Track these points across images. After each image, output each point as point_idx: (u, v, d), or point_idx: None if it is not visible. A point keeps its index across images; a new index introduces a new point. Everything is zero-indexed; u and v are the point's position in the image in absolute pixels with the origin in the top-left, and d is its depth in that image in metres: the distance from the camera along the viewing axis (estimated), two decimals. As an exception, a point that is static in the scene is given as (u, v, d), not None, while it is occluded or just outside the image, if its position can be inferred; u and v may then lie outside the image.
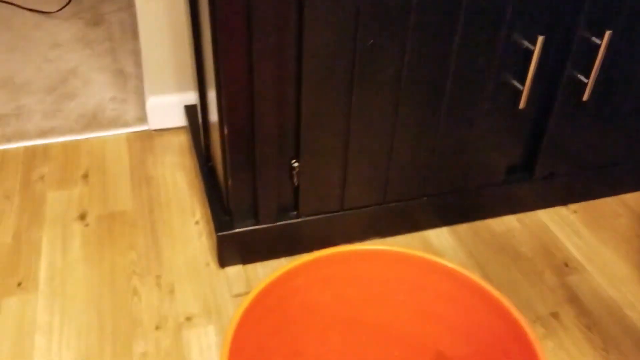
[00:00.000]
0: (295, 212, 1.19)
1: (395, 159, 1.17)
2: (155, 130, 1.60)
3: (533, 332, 0.59)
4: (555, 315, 1.13)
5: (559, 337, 1.09)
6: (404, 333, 0.76)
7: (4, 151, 1.49)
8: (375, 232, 1.28)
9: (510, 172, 1.31)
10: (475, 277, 0.66)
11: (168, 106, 1.57)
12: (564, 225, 1.34)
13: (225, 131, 1.05)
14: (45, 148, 1.51)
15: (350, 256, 0.71)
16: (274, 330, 0.70)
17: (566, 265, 1.24)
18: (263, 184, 1.11)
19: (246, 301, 0.62)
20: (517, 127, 1.23)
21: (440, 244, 1.29)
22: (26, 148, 1.51)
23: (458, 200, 1.30)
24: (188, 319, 1.08)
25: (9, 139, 1.53)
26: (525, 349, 0.59)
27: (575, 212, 1.39)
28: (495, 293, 0.63)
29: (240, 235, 1.16)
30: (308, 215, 1.19)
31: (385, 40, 1.02)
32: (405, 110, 1.11)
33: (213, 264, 1.19)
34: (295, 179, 1.13)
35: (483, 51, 1.09)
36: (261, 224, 1.16)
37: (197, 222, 1.30)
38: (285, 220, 1.18)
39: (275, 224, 1.17)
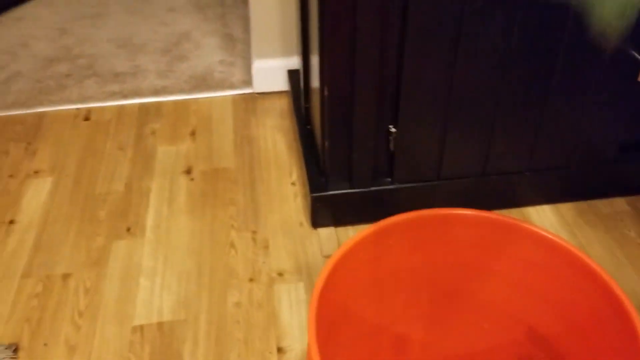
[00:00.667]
0: (389, 179, 1.18)
1: (498, 130, 1.13)
2: (259, 93, 1.64)
3: (635, 311, 0.56)
4: (662, 304, 1.06)
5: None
6: (494, 304, 0.75)
7: (121, 107, 1.60)
8: (471, 204, 1.24)
9: (623, 150, 1.23)
10: (574, 247, 0.63)
11: (272, 70, 1.61)
12: (682, 211, 1.24)
13: (326, 93, 1.06)
14: (158, 106, 1.60)
15: (444, 219, 0.70)
16: (362, 288, 0.71)
17: (680, 253, 1.15)
18: (359, 148, 1.12)
19: (336, 255, 0.64)
20: (635, 101, 1.14)
21: (541, 222, 1.24)
22: (141, 105, 1.60)
23: (564, 177, 1.24)
24: (280, 274, 1.12)
25: (125, 96, 1.63)
26: (627, 327, 0.55)
27: (696, 198, 1.28)
28: (596, 266, 0.60)
29: (334, 197, 1.18)
30: (402, 183, 1.18)
31: (495, 4, 0.98)
32: (511, 79, 1.07)
33: (306, 224, 1.22)
34: (391, 145, 1.13)
35: (602, 18, 1.02)
36: (355, 188, 1.17)
37: (293, 183, 1.33)
38: (379, 186, 1.18)
39: (368, 189, 1.18)
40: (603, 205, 1.27)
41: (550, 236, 0.64)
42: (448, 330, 0.77)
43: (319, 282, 0.61)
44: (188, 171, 1.37)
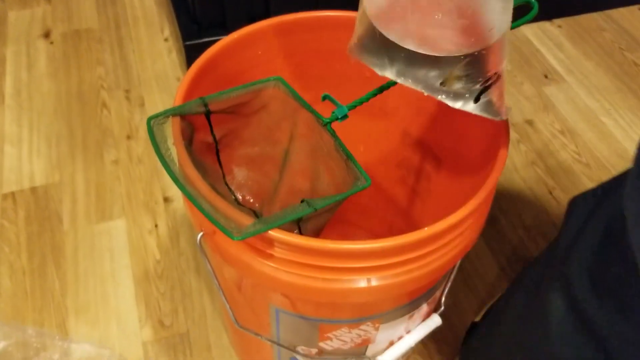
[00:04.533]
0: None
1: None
2: (119, -51, 1.49)
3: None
4: (530, 122, 1.13)
5: (531, 141, 1.09)
6: (371, 111, 0.75)
7: (-43, -29, 1.39)
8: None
9: (494, -18, 1.24)
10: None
11: None
12: (546, 40, 1.30)
13: None
14: (2, -32, 1.41)
15: (319, 23, 0.67)
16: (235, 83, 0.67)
17: (545, 76, 1.22)
18: (230, -12, 1.05)
19: (192, 70, 0.59)
20: None
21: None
22: (-19, -33, 1.41)
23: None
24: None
25: (-39, -42, 1.42)
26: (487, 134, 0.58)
27: (559, 27, 1.34)
28: None
29: (209, 44, 1.11)
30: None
31: None
32: None
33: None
34: (264, -17, 1.06)
35: None
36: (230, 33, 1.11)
37: (166, 39, 1.25)
38: (256, 31, 1.13)
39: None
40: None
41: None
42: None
43: (178, 97, 0.57)
44: (46, 35, 1.24)
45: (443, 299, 0.68)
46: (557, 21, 1.35)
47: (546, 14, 1.35)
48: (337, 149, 0.53)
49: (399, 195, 0.82)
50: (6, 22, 1.27)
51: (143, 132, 1.06)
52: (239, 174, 0.61)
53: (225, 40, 0.63)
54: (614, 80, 1.22)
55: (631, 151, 1.08)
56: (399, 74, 0.47)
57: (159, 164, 1.00)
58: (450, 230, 0.49)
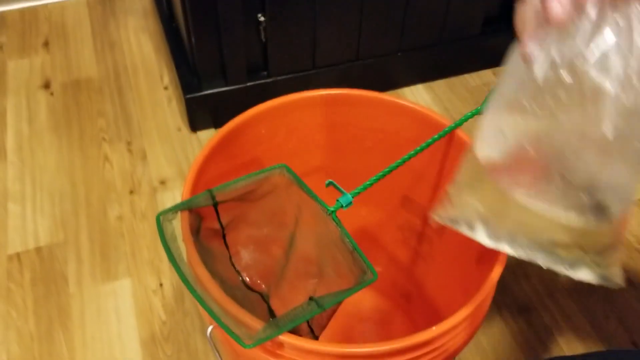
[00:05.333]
0: (265, 72, 1.15)
1: (366, 13, 1.12)
2: (116, -8, 1.50)
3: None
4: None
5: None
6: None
7: (-44, 20, 1.41)
8: (349, 87, 1.25)
9: (487, 24, 1.26)
10: (443, 118, 0.65)
11: (127, -35, 1.47)
12: (541, 78, 1.32)
13: (184, -16, 0.98)
14: (2, 16, 1.43)
15: (316, 101, 0.68)
16: (241, 166, 0.69)
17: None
18: (229, 42, 1.06)
19: (205, 149, 0.61)
20: (496, -28, 1.16)
21: (416, 100, 1.27)
22: (-21, 16, 1.42)
23: (434, 55, 1.26)
24: (162, 182, 1.08)
25: (-41, 7, 1.43)
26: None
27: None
28: (463, 134, 0.62)
29: (210, 97, 1.13)
30: (279, 75, 1.15)
31: None
32: (376, -45, 1.04)
33: (185, 129, 1.17)
34: (262, 35, 1.08)
35: None
36: (230, 85, 1.13)
37: (166, 87, 1.26)
38: (255, 81, 1.14)
39: (245, 85, 1.14)
40: (472, 78, 1.32)
41: (423, 110, 0.65)
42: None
43: (190, 175, 0.58)
44: (46, 85, 1.25)
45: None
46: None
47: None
48: (342, 239, 0.54)
49: (402, 255, 0.83)
50: (5, 72, 1.28)
51: (146, 186, 1.07)
52: (245, 255, 0.62)
53: (229, 126, 0.64)
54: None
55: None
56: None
57: (163, 220, 1.01)
58: (448, 332, 0.50)
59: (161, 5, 1.33)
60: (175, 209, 0.53)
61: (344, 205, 0.56)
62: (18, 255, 0.96)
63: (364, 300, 0.91)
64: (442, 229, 0.74)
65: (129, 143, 1.14)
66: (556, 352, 0.88)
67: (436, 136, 0.62)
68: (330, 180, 0.58)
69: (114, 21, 1.42)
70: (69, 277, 0.93)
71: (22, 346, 0.85)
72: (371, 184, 0.58)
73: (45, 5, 1.46)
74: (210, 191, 0.55)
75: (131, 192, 1.06)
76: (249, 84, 1.14)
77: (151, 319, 0.89)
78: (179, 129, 1.17)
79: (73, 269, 0.94)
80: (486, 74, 1.33)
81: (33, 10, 1.45)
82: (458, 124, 0.64)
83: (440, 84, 1.30)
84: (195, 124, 1.16)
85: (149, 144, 1.14)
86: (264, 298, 0.62)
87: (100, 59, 1.32)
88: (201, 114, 1.15)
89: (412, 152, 0.61)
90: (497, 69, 1.33)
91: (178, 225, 0.54)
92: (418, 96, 1.28)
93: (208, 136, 1.16)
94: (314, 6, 1.06)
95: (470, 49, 1.28)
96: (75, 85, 1.25)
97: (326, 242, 0.57)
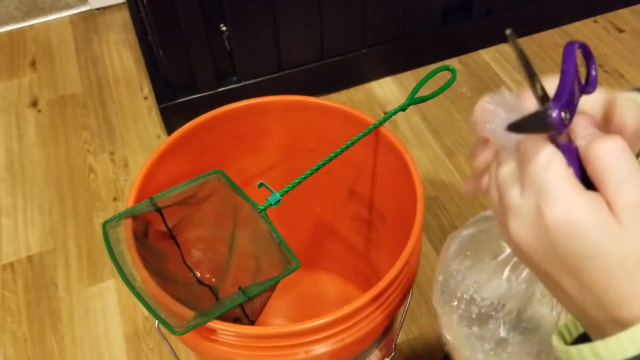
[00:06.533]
0: (234, 77, 1.21)
1: (326, 13, 1.17)
2: (97, 9, 1.57)
3: (415, 169, 0.65)
4: (489, 149, 1.19)
5: (491, 169, 1.15)
6: (319, 177, 0.82)
7: (-51, 47, 1.49)
8: (318, 88, 1.31)
9: (448, 14, 1.31)
10: (370, 117, 0.71)
11: (106, -18, 1.54)
12: (504, 63, 1.36)
13: (147, 3, 1.05)
14: (-10, 39, 1.51)
15: (258, 108, 0.74)
16: (188, 172, 0.75)
17: (503, 101, 1.28)
18: (195, 53, 1.13)
19: (150, 160, 0.67)
20: (448, -34, 1.20)
21: (384, 94, 1.32)
22: (-30, 41, 1.50)
23: (398, 49, 1.31)
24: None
25: (-49, 34, 1.52)
26: (409, 180, 0.65)
27: (517, 48, 1.40)
28: (393, 138, 0.68)
29: (184, 104, 1.20)
30: (247, 79, 1.21)
31: None
32: (327, -40, 1.09)
33: (164, 136, 1.24)
34: (226, 44, 1.14)
35: None
36: (202, 92, 1.19)
37: (145, 98, 1.33)
38: (225, 86, 1.21)
39: (215, 91, 1.20)
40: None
41: (362, 115, 0.71)
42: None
43: (136, 183, 0.65)
44: (34, 103, 1.33)
45: (394, 345, 0.76)
46: (515, 42, 1.41)
47: (503, 34, 1.40)
48: (271, 234, 0.60)
49: (357, 242, 0.89)
50: (-3, 94, 1.36)
51: (128, 192, 1.14)
52: (196, 253, 0.69)
53: (174, 136, 0.70)
54: (570, 98, 1.28)
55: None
56: None
57: (143, 224, 1.08)
58: (371, 303, 0.56)
59: (138, 19, 1.40)
60: (119, 216, 0.60)
61: (272, 203, 0.62)
62: (11, 264, 1.04)
63: (331, 286, 0.98)
64: (384, 219, 0.80)
65: (111, 153, 1.21)
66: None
67: (360, 134, 0.68)
68: (261, 181, 0.64)
69: (97, 37, 1.50)
70: (59, 282, 1.01)
71: (16, 348, 0.93)
72: (299, 182, 0.65)
73: (32, 26, 1.54)
74: (151, 199, 0.62)
75: (115, 199, 1.13)
76: (219, 89, 1.20)
77: (134, 316, 0.96)
78: (159, 137, 1.24)
79: (62, 275, 1.02)
80: (452, 62, 1.37)
81: (20, 32, 1.53)
82: (382, 122, 0.70)
83: (407, 76, 1.35)
84: (172, 131, 1.22)
85: (131, 153, 1.21)
86: (213, 291, 0.68)
87: (84, 75, 1.39)
88: (177, 120, 1.22)
89: (338, 150, 0.67)
90: (461, 57, 1.38)
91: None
92: (386, 89, 1.33)
93: (185, 142, 1.23)
94: (273, 11, 1.12)
95: (433, 40, 1.33)
96: (61, 101, 1.33)
97: (259, 238, 0.63)
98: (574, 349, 0.30)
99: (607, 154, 0.28)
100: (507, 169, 0.33)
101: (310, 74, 1.26)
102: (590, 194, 0.29)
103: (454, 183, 1.13)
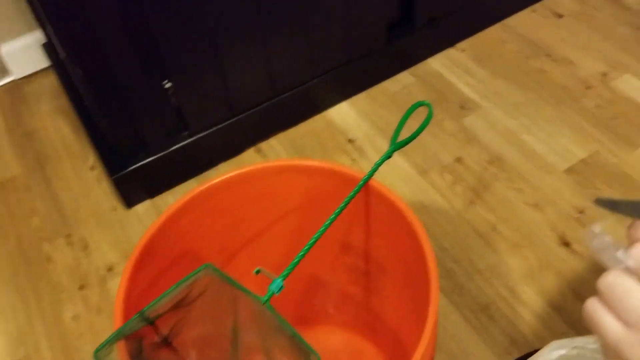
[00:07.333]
0: (186, 133, 1.14)
1: (272, 50, 1.12)
2: (22, 78, 1.47)
3: (413, 216, 0.61)
4: (459, 159, 1.17)
5: (465, 180, 1.13)
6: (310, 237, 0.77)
7: None
8: (275, 127, 1.25)
9: (392, 29, 1.28)
10: (356, 172, 0.66)
11: (26, 49, 1.43)
12: (455, 68, 1.35)
13: (80, 73, 0.97)
14: None
15: (234, 181, 0.69)
16: (170, 265, 0.69)
17: (462, 107, 1.26)
18: (141, 115, 1.05)
19: (132, 257, 0.61)
20: (385, -18, 1.18)
21: (343, 120, 1.28)
22: None
23: (348, 72, 1.27)
24: (110, 269, 1.07)
25: None
26: (410, 234, 0.61)
27: (463, 50, 1.39)
28: (384, 190, 0.64)
29: (137, 171, 1.12)
30: (200, 132, 1.15)
31: None
32: (266, 4, 1.04)
33: (120, 207, 1.16)
34: (173, 100, 1.07)
35: None
36: (154, 155, 1.12)
37: (92, 168, 1.24)
38: (178, 143, 1.14)
39: (169, 150, 1.13)
40: (391, 84, 1.34)
41: (347, 171, 0.67)
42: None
43: (119, 297, 0.58)
44: (-29, 195, 1.22)
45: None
46: (460, 45, 1.40)
47: (448, 40, 1.39)
48: (280, 327, 0.55)
49: (355, 292, 0.84)
50: None
51: (94, 277, 1.06)
52: (197, 355, 0.63)
53: (151, 229, 0.63)
54: (526, 93, 1.28)
55: (556, 165, 1.13)
56: None
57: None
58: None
59: (69, 84, 1.31)
60: (110, 341, 0.53)
61: (275, 291, 0.56)
62: (-19, 384, 0.94)
63: (332, 337, 0.93)
64: (383, 268, 0.76)
65: (67, 236, 1.12)
66: (522, 343, 0.91)
67: (352, 193, 0.64)
68: (258, 268, 0.58)
69: (27, 109, 1.39)
70: (38, 393, 0.92)
71: None
72: (299, 260, 0.59)
73: (-48, 109, 1.42)
74: (141, 313, 0.55)
75: (81, 287, 1.04)
76: (172, 148, 1.13)
77: (130, 415, 0.88)
78: (115, 209, 1.16)
79: (40, 384, 0.93)
80: (404, 77, 1.34)
81: (-60, 117, 1.41)
82: (370, 174, 0.66)
83: (362, 97, 1.32)
84: (129, 200, 1.15)
85: (88, 232, 1.13)
86: (223, 395, 0.62)
87: (20, 154, 1.29)
88: (132, 189, 1.14)
89: (332, 216, 0.62)
90: (412, 69, 1.35)
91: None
92: (344, 115, 1.29)
93: (146, 209, 1.15)
94: (217, 58, 1.06)
95: (381, 57, 1.30)
96: (0, 189, 1.22)
97: (267, 330, 0.58)
98: None
99: None
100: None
101: (264, 114, 1.20)
102: None
103: (433, 202, 1.10)
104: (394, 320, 0.81)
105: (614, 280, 0.32)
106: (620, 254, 0.33)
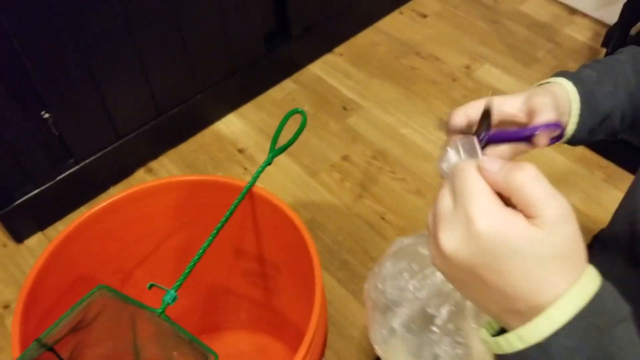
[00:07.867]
0: (71, 160, 1.13)
1: (150, 70, 1.13)
2: None
3: (294, 215, 0.66)
4: (345, 157, 1.24)
5: (353, 176, 1.20)
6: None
7: None
8: (164, 145, 1.26)
9: (270, 39, 1.33)
10: (240, 181, 0.70)
11: None
12: (334, 72, 1.42)
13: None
14: None
15: (118, 203, 0.70)
16: (65, 292, 0.69)
17: (344, 108, 1.34)
18: (21, 147, 1.03)
19: (23, 291, 0.61)
20: (257, -4, 1.22)
21: (231, 131, 1.31)
22: None
23: (232, 84, 1.31)
24: (6, 307, 1.04)
25: None
26: (294, 232, 0.66)
27: (341, 54, 1.46)
28: (267, 195, 0.68)
29: (24, 205, 1.09)
30: (86, 158, 1.14)
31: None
32: (138, 25, 1.05)
33: (10, 243, 1.13)
34: (54, 129, 1.06)
35: None
36: (41, 186, 1.10)
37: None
38: (64, 172, 1.12)
39: (55, 180, 1.11)
40: (275, 92, 1.39)
41: (223, 180, 0.70)
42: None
43: (14, 327, 0.59)
44: None
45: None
46: (338, 49, 1.47)
47: (325, 46, 1.46)
48: (178, 334, 0.58)
49: (258, 295, 0.88)
50: None
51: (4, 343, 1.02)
52: (100, 375, 0.64)
53: (39, 262, 0.64)
54: (400, 90, 1.37)
55: (433, 153, 1.23)
56: None
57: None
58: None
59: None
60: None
61: (169, 302, 0.59)
62: None
63: (241, 340, 0.96)
64: (278, 268, 0.80)
65: (-44, 280, 1.08)
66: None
67: (236, 201, 0.67)
68: (152, 282, 0.61)
69: None
70: None
71: None
72: (189, 271, 0.62)
73: None
74: (38, 340, 0.56)
75: (-24, 331, 1.01)
76: (58, 177, 1.11)
77: None
78: (5, 245, 1.12)
79: None
80: (287, 84, 1.40)
81: None
82: (252, 182, 0.70)
83: (249, 108, 1.36)
84: (19, 235, 1.12)
85: (-21, 273, 1.08)
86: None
87: None
88: (21, 223, 1.11)
89: (219, 225, 0.66)
90: (293, 76, 1.41)
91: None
92: (232, 126, 1.32)
93: (37, 242, 1.13)
94: (94, 83, 1.05)
95: (263, 66, 1.34)
96: None
97: (167, 340, 0.60)
98: (501, 339, 0.34)
99: (527, 183, 0.33)
100: (444, 191, 0.37)
101: (151, 133, 1.21)
102: (509, 209, 0.33)
103: (324, 200, 1.16)
104: (295, 316, 0.86)
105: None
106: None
